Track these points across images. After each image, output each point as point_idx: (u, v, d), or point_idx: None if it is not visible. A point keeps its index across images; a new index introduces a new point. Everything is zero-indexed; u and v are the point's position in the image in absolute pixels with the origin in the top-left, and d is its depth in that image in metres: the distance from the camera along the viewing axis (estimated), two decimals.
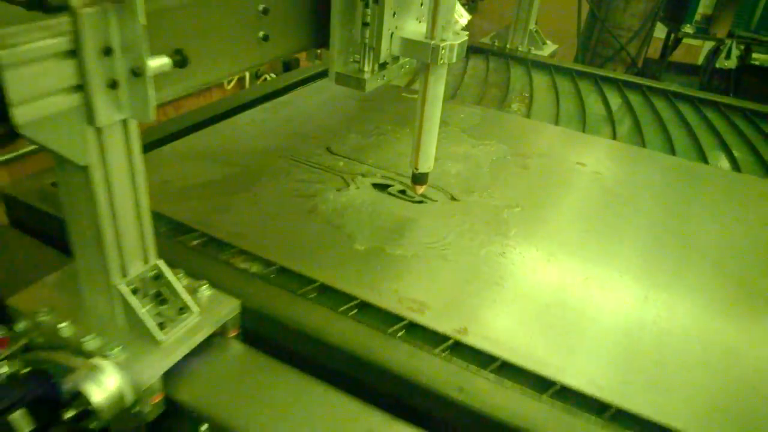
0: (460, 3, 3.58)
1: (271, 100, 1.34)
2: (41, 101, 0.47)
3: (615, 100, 1.58)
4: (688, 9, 2.24)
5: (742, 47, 2.15)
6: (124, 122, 0.55)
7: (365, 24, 0.77)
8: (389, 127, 1.24)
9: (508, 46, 1.88)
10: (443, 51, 0.78)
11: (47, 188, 0.92)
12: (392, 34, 0.78)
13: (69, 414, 0.60)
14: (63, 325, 0.65)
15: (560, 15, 2.48)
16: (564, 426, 0.61)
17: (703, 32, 2.26)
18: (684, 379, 0.68)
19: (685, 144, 1.37)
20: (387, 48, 0.78)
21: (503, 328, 0.73)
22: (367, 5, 0.76)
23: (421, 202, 0.98)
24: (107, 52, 0.48)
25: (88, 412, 0.61)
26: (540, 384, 0.66)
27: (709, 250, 0.94)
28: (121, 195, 0.58)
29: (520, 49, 1.86)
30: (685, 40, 2.51)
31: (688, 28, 2.26)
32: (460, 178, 1.07)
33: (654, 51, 2.66)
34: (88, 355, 0.63)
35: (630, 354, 0.71)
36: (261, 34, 0.71)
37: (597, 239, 0.94)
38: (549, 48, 1.92)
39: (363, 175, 1.04)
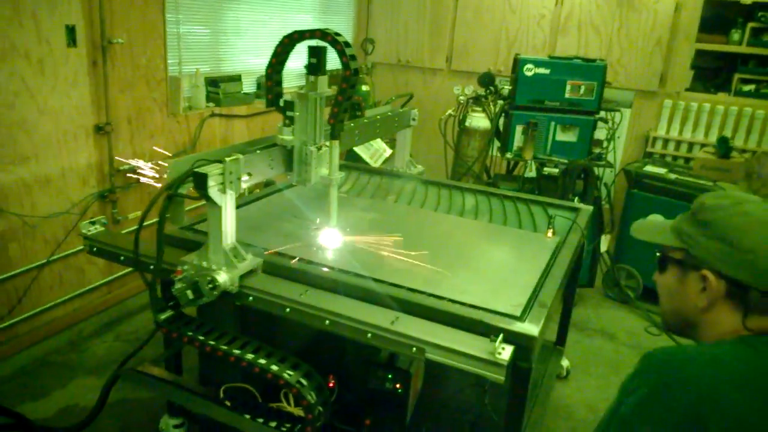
0: (384, 142, 5.28)
1: (264, 198, 2.71)
2: (213, 187, 1.81)
3: (446, 195, 2.97)
4: (508, 144, 3.72)
5: (539, 164, 3.65)
6: (232, 194, 1.90)
7: (305, 171, 2.14)
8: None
9: (394, 169, 3.29)
10: (335, 179, 2.16)
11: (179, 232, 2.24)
12: (315, 175, 2.15)
13: (208, 286, 1.89)
14: (204, 263, 1.95)
15: (437, 148, 3.98)
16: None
17: (518, 156, 3.72)
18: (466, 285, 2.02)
19: (497, 217, 2.75)
20: (315, 181, 2.15)
21: (391, 268, 2.06)
22: (304, 164, 2.13)
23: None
24: (230, 173, 1.85)
25: (216, 287, 1.89)
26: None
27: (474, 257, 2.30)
28: (227, 215, 1.92)
29: (401, 170, 3.27)
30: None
31: (509, 155, 3.74)
32: (357, 223, 2.42)
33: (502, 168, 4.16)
34: (214, 270, 1.93)
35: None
36: (270, 167, 2.09)
37: (408, 239, 2.29)
38: (418, 169, 3.33)
39: (314, 226, 2.39)
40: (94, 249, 2.25)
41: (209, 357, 2.28)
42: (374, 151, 4.88)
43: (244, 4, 4.14)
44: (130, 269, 3.46)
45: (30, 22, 2.73)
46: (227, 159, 1.84)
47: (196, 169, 1.80)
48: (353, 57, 2.03)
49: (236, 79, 4.00)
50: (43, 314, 3.13)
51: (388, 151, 5.22)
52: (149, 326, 3.42)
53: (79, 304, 3.32)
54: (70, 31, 2.90)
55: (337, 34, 2.02)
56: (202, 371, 2.42)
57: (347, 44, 2.02)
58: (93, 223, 2.30)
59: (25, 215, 2.90)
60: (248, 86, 4.22)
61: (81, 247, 3.16)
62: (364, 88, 4.71)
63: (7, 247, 2.88)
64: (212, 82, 3.85)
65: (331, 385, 2.06)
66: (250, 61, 4.32)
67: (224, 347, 1.95)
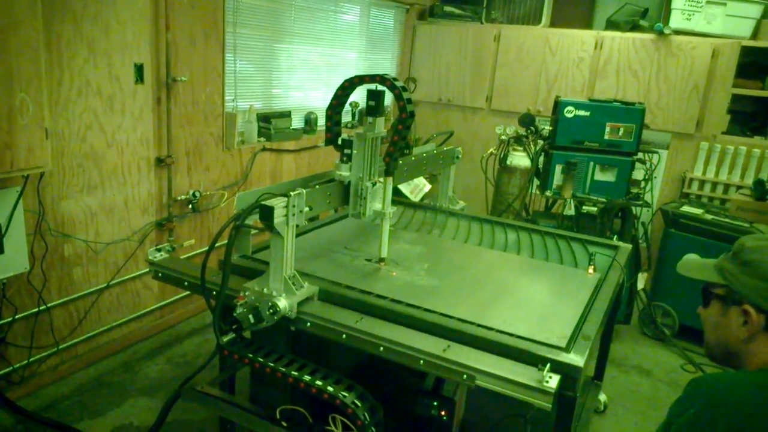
0: (425, 179, 5.45)
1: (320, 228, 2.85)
2: (278, 219, 1.95)
3: (488, 230, 3.08)
4: (548, 182, 3.82)
5: (577, 203, 3.74)
6: (294, 225, 2.03)
7: (361, 205, 2.28)
8: (377, 238, 2.73)
9: (437, 204, 3.41)
10: (387, 214, 2.29)
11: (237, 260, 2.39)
12: (370, 209, 2.29)
13: (269, 311, 2.01)
14: (264, 289, 2.08)
15: (476, 184, 4.10)
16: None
17: (557, 195, 3.83)
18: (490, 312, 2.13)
19: (539, 252, 2.86)
20: (369, 216, 2.29)
21: (411, 292, 2.17)
22: (360, 198, 2.27)
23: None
24: (293, 207, 1.99)
25: (276, 312, 2.02)
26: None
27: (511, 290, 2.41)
28: (289, 245, 2.05)
29: (444, 206, 3.39)
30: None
31: (548, 193, 3.84)
32: (405, 255, 2.54)
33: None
34: (274, 296, 2.05)
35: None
36: (328, 201, 2.24)
37: (450, 273, 2.40)
38: (460, 204, 3.45)
39: (364, 257, 2.52)
40: (159, 274, 2.39)
41: (261, 379, 2.41)
42: (414, 186, 5.02)
43: (295, 44, 4.35)
44: (180, 295, 3.63)
45: (103, 62, 2.94)
46: (292, 193, 1.98)
47: (262, 202, 1.94)
48: (410, 100, 2.18)
49: (286, 115, 4.19)
50: (101, 336, 3.29)
51: (428, 187, 5.36)
52: (198, 350, 3.57)
53: (134, 327, 3.48)
54: (139, 69, 3.11)
55: (395, 79, 2.17)
56: (253, 393, 2.53)
57: (404, 88, 2.16)
58: (159, 249, 2.44)
59: (90, 241, 3.08)
60: (297, 122, 4.41)
61: (138, 273, 3.34)
62: None
63: (72, 271, 3.05)
64: (264, 118, 4.04)
65: None
66: (299, 97, 4.52)
67: (283, 369, 2.06)
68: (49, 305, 2.95)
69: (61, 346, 3.06)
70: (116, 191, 3.16)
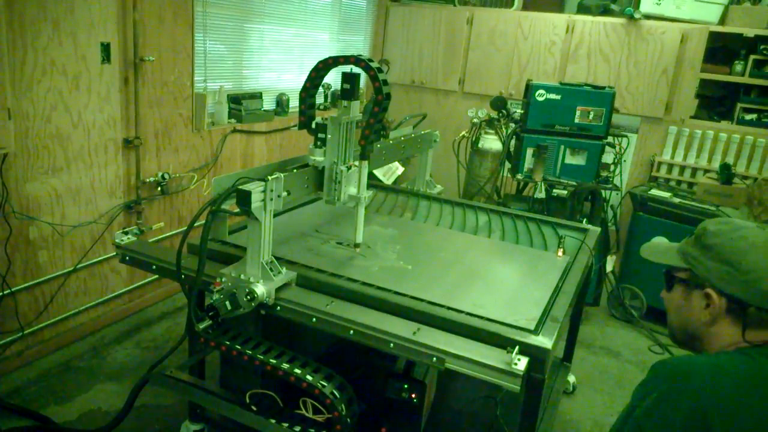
0: (399, 162, 5.45)
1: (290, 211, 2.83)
2: (256, 204, 1.93)
3: (460, 213, 3.09)
4: (519, 165, 3.84)
5: (548, 186, 3.77)
6: (271, 211, 2.01)
7: (335, 190, 2.25)
8: (348, 222, 2.73)
9: (414, 188, 3.41)
10: (363, 198, 2.27)
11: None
12: (345, 193, 2.27)
13: (246, 298, 1.99)
14: (242, 276, 2.05)
15: (448, 167, 4.10)
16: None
17: (528, 178, 3.85)
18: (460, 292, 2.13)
19: (509, 235, 2.87)
20: (344, 200, 2.26)
21: (388, 275, 2.17)
22: (334, 183, 2.25)
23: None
24: (271, 191, 1.96)
25: (254, 297, 1.99)
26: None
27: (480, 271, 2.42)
28: (267, 230, 2.03)
29: (421, 190, 3.38)
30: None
31: (519, 176, 3.86)
32: (376, 238, 2.54)
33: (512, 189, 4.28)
34: (252, 282, 2.04)
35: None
36: (306, 186, 2.21)
37: (421, 256, 2.40)
38: (437, 188, 3.45)
39: (335, 241, 2.51)
40: (127, 258, 2.35)
41: (231, 363, 2.39)
42: (387, 169, 5.02)
43: (266, 24, 4.29)
44: (150, 278, 3.59)
45: (69, 41, 2.87)
46: (270, 177, 1.95)
47: (240, 187, 1.91)
48: (385, 82, 2.15)
49: (257, 96, 4.14)
50: (68, 320, 3.24)
51: (401, 169, 5.37)
52: (168, 334, 3.54)
53: (102, 311, 3.43)
54: (105, 48, 3.04)
55: (370, 60, 2.14)
56: (223, 378, 2.52)
57: (380, 70, 2.13)
58: (126, 232, 2.40)
59: (56, 224, 3.02)
60: (268, 103, 4.35)
61: (106, 256, 3.29)
62: None
63: (37, 254, 2.99)
64: (234, 99, 3.99)
65: None
66: (270, 78, 4.46)
67: (261, 356, 2.05)
68: (13, 289, 2.89)
69: (26, 331, 3.00)
70: (83, 173, 3.09)
